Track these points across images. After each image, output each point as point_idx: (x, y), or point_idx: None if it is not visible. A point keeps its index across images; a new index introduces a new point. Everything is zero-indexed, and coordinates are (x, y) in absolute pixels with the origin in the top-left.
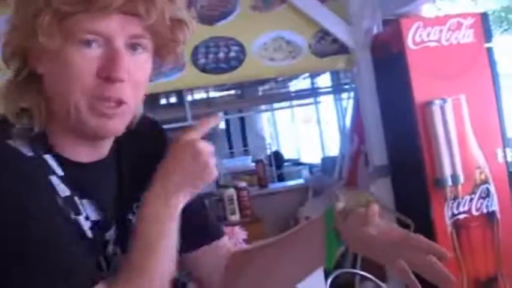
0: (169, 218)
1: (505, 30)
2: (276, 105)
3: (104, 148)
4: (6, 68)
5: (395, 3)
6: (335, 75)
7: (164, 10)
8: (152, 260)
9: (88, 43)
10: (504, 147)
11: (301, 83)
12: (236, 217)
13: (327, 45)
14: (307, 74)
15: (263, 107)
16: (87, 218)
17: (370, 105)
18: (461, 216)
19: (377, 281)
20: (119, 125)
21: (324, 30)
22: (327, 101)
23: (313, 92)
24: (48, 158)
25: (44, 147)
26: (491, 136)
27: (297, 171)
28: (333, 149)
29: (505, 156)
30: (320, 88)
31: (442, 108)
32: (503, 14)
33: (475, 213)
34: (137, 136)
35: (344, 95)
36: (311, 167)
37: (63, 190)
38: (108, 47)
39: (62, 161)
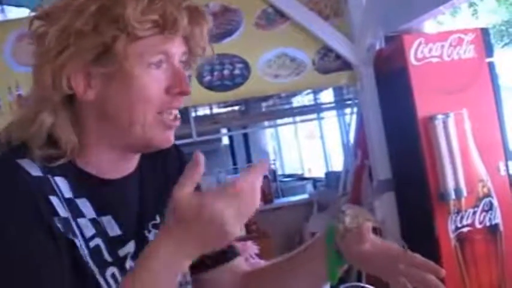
0: (171, 275)
1: (506, 44)
2: (279, 121)
3: (133, 164)
4: (37, 101)
5: (398, 20)
6: (338, 90)
7: (205, 34)
8: None
9: (157, 65)
10: (506, 160)
11: (304, 99)
12: (242, 232)
13: (330, 62)
14: (310, 90)
15: (266, 123)
16: (93, 236)
17: (373, 120)
18: (465, 230)
19: None
20: (173, 135)
21: (327, 47)
22: (330, 117)
23: (317, 108)
24: (58, 180)
25: (57, 170)
26: (494, 149)
27: (301, 186)
28: (337, 163)
29: (507, 170)
30: (323, 104)
31: (444, 122)
32: (504, 28)
33: (478, 226)
34: (157, 154)
35: (347, 111)
36: (315, 181)
37: (63, 211)
38: (170, 65)
39: (84, 179)
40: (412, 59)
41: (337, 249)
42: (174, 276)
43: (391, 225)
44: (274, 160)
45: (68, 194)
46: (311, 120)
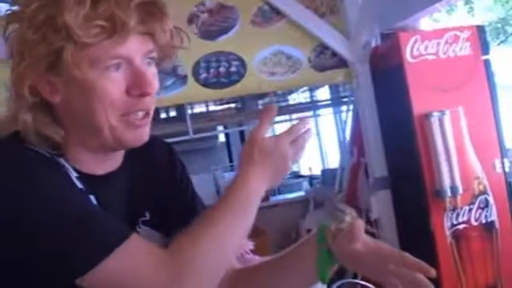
0: (257, 198)
1: (502, 41)
2: (275, 118)
3: (117, 161)
4: (17, 100)
5: (393, 17)
6: (334, 88)
7: (170, 25)
8: (231, 219)
9: (115, 67)
10: (502, 157)
11: (300, 97)
12: None
13: (326, 59)
14: (306, 88)
15: None
16: None
17: (369, 117)
18: (461, 227)
19: None
20: (147, 132)
21: (323, 44)
22: (326, 114)
23: (313, 105)
24: (63, 161)
25: (58, 155)
26: (490, 147)
27: (297, 183)
28: (333, 161)
29: (503, 167)
30: (319, 101)
31: (440, 120)
32: (500, 26)
33: (474, 223)
34: (144, 150)
35: (343, 108)
36: (311, 179)
37: (79, 185)
38: (130, 66)
39: (76, 171)
40: (408, 56)
41: (329, 249)
42: (259, 200)
43: (387, 223)
44: None
45: (75, 173)
46: (307, 117)
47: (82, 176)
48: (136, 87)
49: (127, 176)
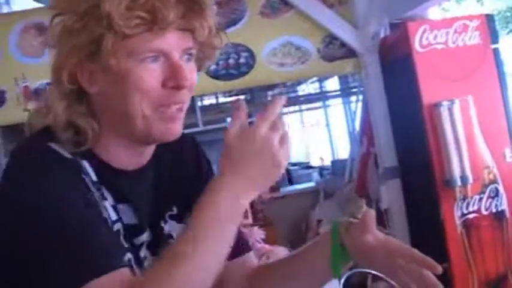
0: (231, 217)
1: (511, 30)
2: (285, 109)
3: (146, 156)
4: (55, 88)
5: (402, 7)
6: (343, 78)
7: (211, 23)
8: (200, 249)
9: (152, 59)
10: None
11: (309, 87)
12: (248, 220)
13: (335, 50)
14: (315, 78)
15: None
16: (117, 221)
17: (378, 107)
18: (471, 216)
19: (389, 280)
20: (180, 127)
21: (332, 34)
22: (335, 105)
23: (322, 96)
24: (84, 163)
25: (82, 154)
26: (499, 136)
27: (307, 174)
28: (343, 151)
29: None
30: (328, 92)
31: (450, 109)
32: (509, 14)
33: (484, 212)
34: (173, 146)
35: (352, 98)
36: (321, 169)
37: (94, 191)
38: (168, 60)
39: (103, 168)
40: (417, 46)
41: (342, 244)
42: (236, 211)
43: (397, 213)
44: None
45: (94, 177)
46: (317, 108)
47: (108, 172)
48: (172, 79)
49: (155, 171)
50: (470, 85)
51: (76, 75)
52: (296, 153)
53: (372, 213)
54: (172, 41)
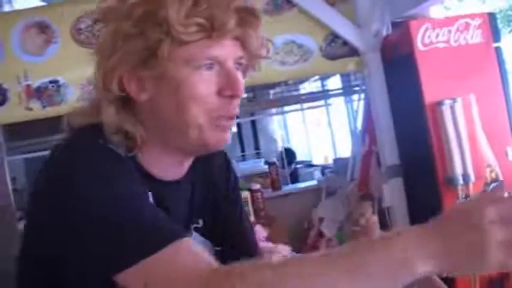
0: (386, 273)
1: None
2: (287, 108)
3: (185, 167)
4: (102, 93)
5: (404, 5)
6: (345, 77)
7: (260, 34)
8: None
9: (207, 67)
10: None
11: (311, 86)
12: (251, 219)
13: (337, 48)
14: (317, 77)
15: (274, 110)
16: None
17: (381, 106)
18: None
19: None
20: (229, 137)
21: (334, 33)
22: (337, 103)
23: (324, 94)
24: (133, 164)
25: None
26: (501, 135)
27: (309, 172)
28: (345, 150)
29: None
30: (331, 90)
31: (452, 108)
32: (511, 13)
33: None
34: (207, 159)
35: (354, 97)
36: (323, 168)
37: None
38: (222, 68)
39: (144, 175)
40: (419, 44)
41: None
42: (399, 272)
43: (399, 211)
44: (282, 147)
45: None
46: (319, 106)
47: (149, 180)
48: (228, 88)
49: (189, 184)
50: (473, 84)
51: (124, 83)
52: (298, 151)
53: (374, 219)
54: (228, 50)
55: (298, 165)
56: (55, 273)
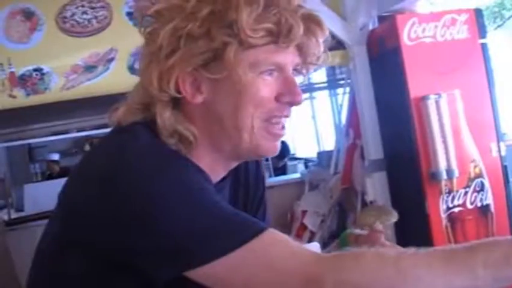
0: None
1: (499, 26)
2: None
3: (226, 172)
4: (155, 93)
5: (390, 0)
6: (330, 70)
7: (321, 43)
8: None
9: (268, 72)
10: (498, 141)
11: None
12: None
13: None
14: None
15: None
16: None
17: (366, 100)
18: (456, 210)
19: None
20: (279, 145)
21: None
22: (322, 96)
23: (309, 88)
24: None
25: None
26: (486, 130)
27: (293, 165)
28: (328, 143)
29: (499, 151)
30: (315, 83)
31: (437, 103)
32: (497, 10)
33: (469, 206)
34: (244, 166)
35: (339, 90)
36: (307, 161)
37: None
38: (282, 75)
39: None
40: (405, 39)
41: None
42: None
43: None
44: None
45: None
46: (303, 100)
47: None
48: (288, 95)
49: (232, 187)
50: (458, 79)
51: (179, 84)
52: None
53: (380, 228)
54: (291, 56)
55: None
56: (110, 260)
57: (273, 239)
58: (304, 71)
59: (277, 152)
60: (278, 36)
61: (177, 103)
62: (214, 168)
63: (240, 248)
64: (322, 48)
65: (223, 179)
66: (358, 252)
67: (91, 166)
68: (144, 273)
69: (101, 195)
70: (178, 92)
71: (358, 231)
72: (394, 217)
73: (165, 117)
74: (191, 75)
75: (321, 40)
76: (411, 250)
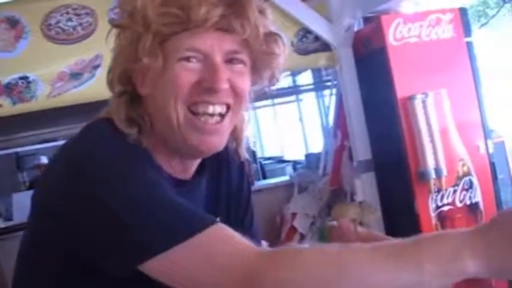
0: (443, 274)
1: (483, 24)
2: (258, 103)
3: (191, 169)
4: (112, 88)
5: (375, 1)
6: (316, 72)
7: (258, 25)
8: (376, 271)
9: (188, 59)
10: (486, 139)
11: (282, 81)
12: None
13: (309, 43)
14: (288, 72)
15: None
16: None
17: (353, 101)
18: (446, 208)
19: None
20: (218, 141)
21: (306, 28)
22: (309, 99)
23: (295, 90)
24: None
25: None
26: (473, 128)
27: (281, 168)
28: (316, 145)
29: (486, 148)
30: (302, 86)
31: (424, 102)
32: (481, 9)
33: (458, 204)
34: (224, 164)
35: (326, 92)
36: (295, 163)
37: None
38: (207, 62)
39: (158, 171)
40: (390, 39)
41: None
42: (450, 277)
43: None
44: (253, 143)
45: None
46: (290, 102)
47: (162, 175)
48: (207, 80)
49: (201, 184)
50: (444, 78)
51: (130, 77)
52: (269, 147)
53: (346, 221)
54: (211, 42)
55: (269, 161)
56: (75, 258)
57: (218, 234)
58: (264, 63)
59: (213, 149)
60: (188, 21)
61: (134, 99)
62: (172, 163)
63: (183, 243)
64: (255, 31)
65: (196, 175)
66: (299, 249)
67: (55, 166)
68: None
69: (61, 194)
70: (124, 84)
71: (333, 223)
72: (375, 214)
73: (119, 107)
74: (135, 68)
75: (249, 21)
76: (356, 245)
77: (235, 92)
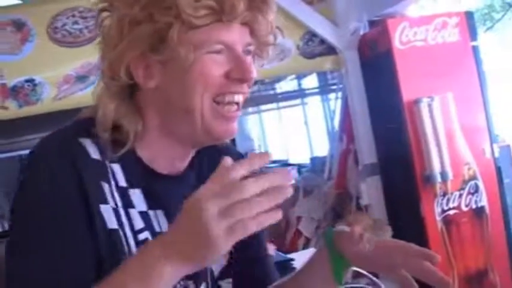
0: (139, 278)
1: (489, 28)
2: (263, 107)
3: (186, 161)
4: (107, 85)
5: (381, 4)
6: (322, 76)
7: (272, 20)
8: None
9: (216, 51)
10: (491, 143)
11: (288, 85)
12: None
13: (315, 47)
14: (294, 76)
15: (250, 109)
16: (143, 230)
17: (358, 104)
18: (451, 212)
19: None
20: (236, 127)
21: (311, 31)
22: (314, 102)
23: (301, 93)
24: (115, 167)
25: (116, 156)
26: (479, 132)
27: None
28: (321, 149)
29: (492, 152)
30: (307, 89)
31: (429, 106)
32: (486, 12)
33: (464, 208)
34: (213, 155)
35: (331, 96)
36: (300, 167)
37: (114, 200)
38: (231, 53)
39: (143, 170)
40: (396, 42)
41: (339, 252)
42: (145, 274)
43: (377, 209)
44: (259, 146)
45: (122, 182)
46: (295, 105)
47: (147, 174)
48: (237, 71)
49: (197, 179)
50: (450, 82)
51: (131, 70)
52: (274, 151)
53: (357, 228)
54: (237, 35)
55: (274, 164)
56: None
57: None
58: (261, 53)
59: (233, 135)
60: (220, 13)
61: (128, 92)
62: (169, 154)
63: None
64: (270, 26)
65: (187, 169)
66: None
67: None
68: None
69: (15, 196)
70: (131, 79)
71: (343, 227)
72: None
73: (108, 111)
74: (143, 61)
75: (268, 16)
76: None
77: (250, 83)
